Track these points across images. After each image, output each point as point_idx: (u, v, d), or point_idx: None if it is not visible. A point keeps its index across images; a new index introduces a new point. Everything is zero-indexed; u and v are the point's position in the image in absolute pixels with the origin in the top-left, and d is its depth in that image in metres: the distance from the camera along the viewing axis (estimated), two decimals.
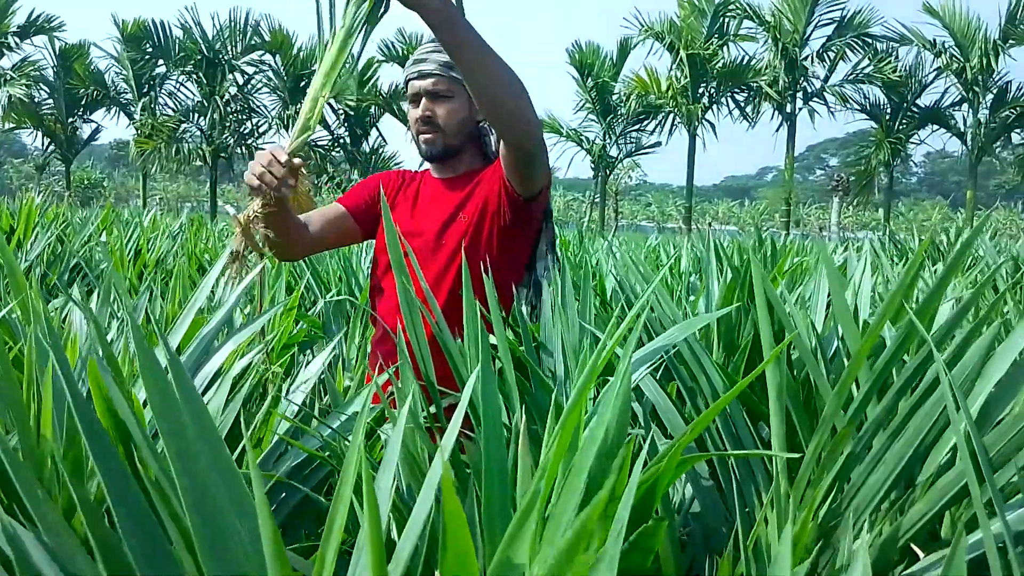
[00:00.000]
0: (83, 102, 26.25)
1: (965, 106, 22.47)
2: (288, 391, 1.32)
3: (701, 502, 1.09)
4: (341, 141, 25.40)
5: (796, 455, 0.80)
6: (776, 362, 0.98)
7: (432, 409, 0.96)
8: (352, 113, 24.47)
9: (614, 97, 24.90)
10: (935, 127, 23.37)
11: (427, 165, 1.84)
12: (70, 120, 26.44)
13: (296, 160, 1.39)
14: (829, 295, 1.52)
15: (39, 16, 24.62)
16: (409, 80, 1.74)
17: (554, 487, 0.48)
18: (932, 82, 22.78)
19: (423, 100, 1.71)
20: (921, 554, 0.94)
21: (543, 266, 1.76)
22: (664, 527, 0.60)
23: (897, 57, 22.67)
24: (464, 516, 0.39)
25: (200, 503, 0.43)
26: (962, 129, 22.77)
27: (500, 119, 1.48)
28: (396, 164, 24.99)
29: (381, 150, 25.50)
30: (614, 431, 0.47)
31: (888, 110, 23.37)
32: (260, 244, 1.39)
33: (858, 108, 23.55)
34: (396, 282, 1.00)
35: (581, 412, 0.56)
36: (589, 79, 24.77)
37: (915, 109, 23.26)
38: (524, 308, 1.64)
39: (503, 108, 1.44)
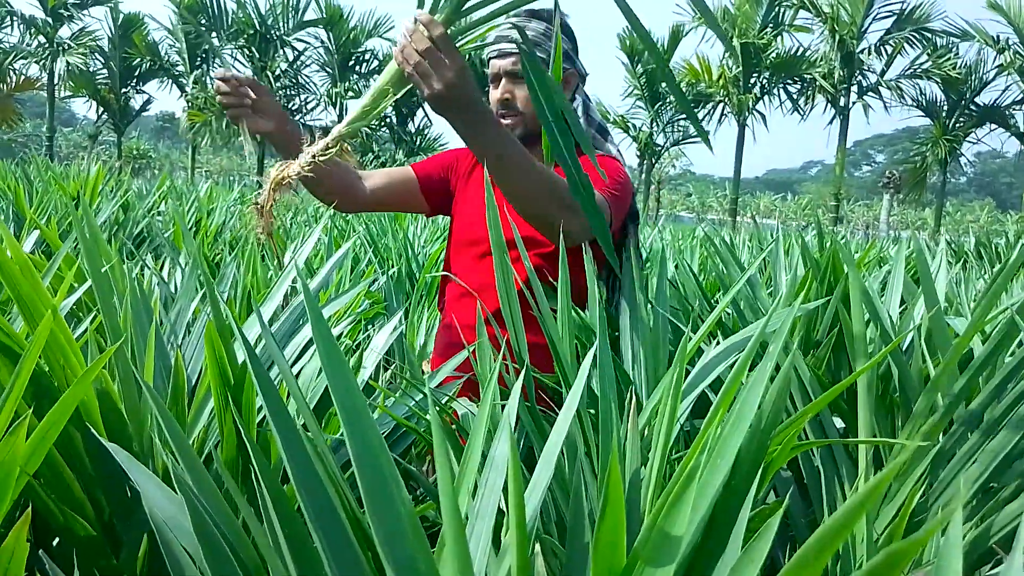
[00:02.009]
0: (136, 73, 26.76)
1: None
2: (361, 364, 1.35)
3: (779, 493, 1.10)
4: (387, 121, 25.53)
5: (896, 440, 0.80)
6: (867, 357, 0.99)
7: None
8: None
9: (663, 84, 24.64)
10: (993, 126, 22.72)
11: None
12: (123, 90, 26.96)
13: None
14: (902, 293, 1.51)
15: None
16: (490, 59, 1.64)
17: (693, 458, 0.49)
18: (993, 79, 22.12)
19: (503, 81, 1.61)
20: (1005, 556, 0.94)
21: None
22: (780, 511, 0.61)
23: (957, 53, 22.03)
24: (623, 490, 0.40)
25: (370, 469, 0.45)
26: (1022, 129, 22.12)
27: (539, 229, 1.39)
28: (441, 146, 25.06)
29: (427, 130, 25.59)
30: (769, 412, 0.49)
31: (945, 107, 22.78)
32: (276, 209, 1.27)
33: (914, 104, 22.98)
34: (495, 269, 1.01)
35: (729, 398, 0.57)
36: (639, 66, 24.53)
37: (973, 107, 22.62)
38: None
39: (536, 221, 1.36)
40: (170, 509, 0.64)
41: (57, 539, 0.96)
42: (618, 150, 1.74)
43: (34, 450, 0.81)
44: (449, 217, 1.80)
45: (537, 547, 0.77)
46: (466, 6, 1.14)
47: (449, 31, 1.14)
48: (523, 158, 1.27)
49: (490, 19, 1.14)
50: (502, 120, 1.60)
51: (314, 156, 1.17)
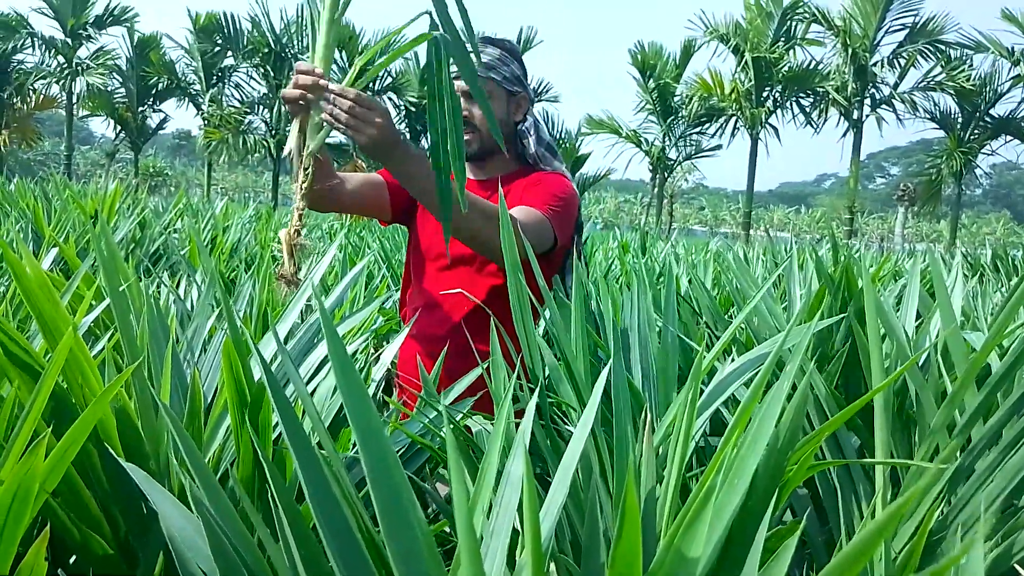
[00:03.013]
0: (153, 92, 27.07)
1: None
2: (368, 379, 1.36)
3: (795, 510, 1.09)
4: (401, 136, 25.68)
5: (913, 463, 0.80)
6: (883, 374, 0.98)
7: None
8: (413, 110, 24.73)
9: (675, 99, 24.66)
10: (1008, 138, 22.58)
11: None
12: (140, 109, 27.27)
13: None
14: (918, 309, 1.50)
15: (115, 7, 25.47)
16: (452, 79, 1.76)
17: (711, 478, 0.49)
18: (1008, 91, 22.01)
19: (462, 100, 1.69)
20: None
21: (572, 278, 1.77)
22: (797, 532, 0.60)
23: (971, 65, 21.93)
24: (639, 511, 0.40)
25: (386, 488, 0.45)
26: None
27: (484, 255, 1.53)
28: None
29: None
30: (786, 432, 0.48)
31: (960, 119, 22.66)
32: (300, 261, 1.38)
33: (928, 116, 22.88)
34: (510, 283, 1.02)
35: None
36: (651, 80, 24.57)
37: (988, 118, 22.49)
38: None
39: (477, 248, 1.49)
40: (187, 528, 0.65)
41: (74, 557, 0.97)
42: (564, 167, 1.85)
43: (52, 468, 0.81)
44: (407, 228, 1.92)
45: (552, 566, 0.76)
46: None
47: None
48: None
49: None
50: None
51: (300, 212, 1.30)
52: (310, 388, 1.17)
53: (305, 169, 1.30)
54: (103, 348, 1.34)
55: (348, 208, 1.81)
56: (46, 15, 25.12)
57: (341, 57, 25.23)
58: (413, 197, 1.49)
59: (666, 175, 26.73)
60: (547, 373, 1.60)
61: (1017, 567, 0.93)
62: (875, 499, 0.98)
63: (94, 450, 0.97)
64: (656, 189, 27.43)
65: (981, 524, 0.48)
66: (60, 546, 0.96)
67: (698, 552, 0.42)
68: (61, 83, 25.81)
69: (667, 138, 25.32)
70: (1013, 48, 21.17)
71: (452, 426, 0.98)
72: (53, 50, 25.56)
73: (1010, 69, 21.62)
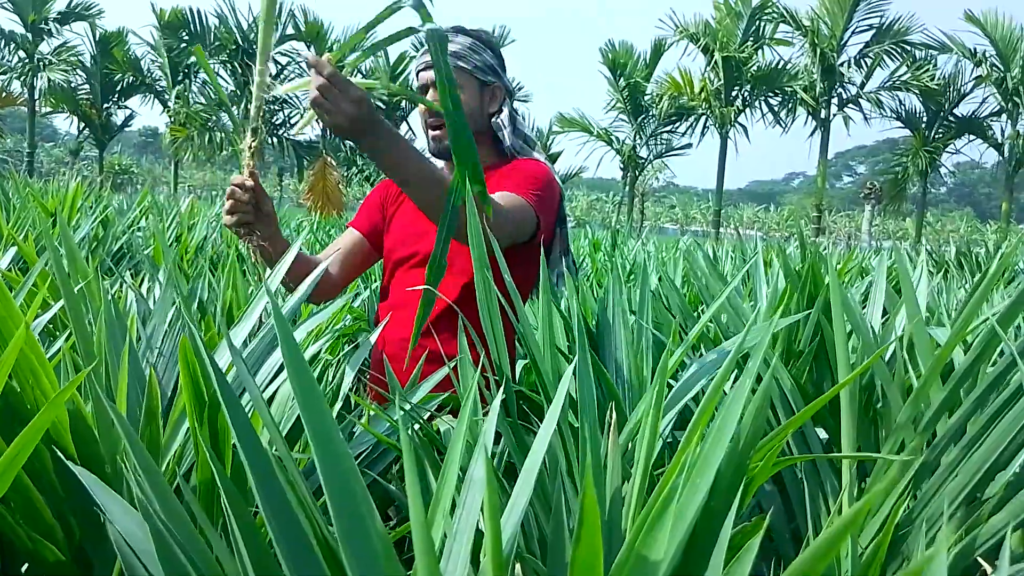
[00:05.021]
0: (119, 88, 26.63)
1: (1004, 116, 22.12)
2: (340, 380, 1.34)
3: (763, 505, 1.09)
4: (377, 121, 25.53)
5: (879, 456, 0.80)
6: (849, 368, 0.98)
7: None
8: (384, 107, 24.59)
9: (646, 98, 24.80)
10: (972, 137, 23.03)
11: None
12: (105, 106, 26.80)
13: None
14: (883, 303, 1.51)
15: (78, 3, 25.01)
16: (419, 71, 1.69)
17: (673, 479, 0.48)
18: (971, 91, 22.45)
19: (430, 91, 1.66)
20: (989, 569, 0.93)
21: (556, 272, 1.74)
22: (761, 531, 0.60)
23: (936, 65, 22.35)
24: (598, 512, 0.39)
25: (343, 497, 0.44)
26: (999, 140, 22.43)
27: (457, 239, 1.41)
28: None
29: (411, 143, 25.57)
30: (749, 430, 0.48)
31: (924, 118, 23.07)
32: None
33: (894, 116, 23.25)
34: (476, 279, 1.00)
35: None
36: (621, 79, 24.68)
37: (952, 118, 22.92)
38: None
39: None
40: (138, 534, 0.62)
41: (26, 565, 0.93)
42: (545, 158, 1.80)
43: (1, 475, 0.78)
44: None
45: (518, 567, 0.75)
46: (348, 59, 1.23)
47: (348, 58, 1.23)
48: (430, 172, 1.35)
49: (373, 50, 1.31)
50: (431, 129, 1.70)
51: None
52: (276, 384, 1.15)
53: (254, 130, 1.28)
54: (60, 348, 1.30)
55: (347, 282, 1.86)
56: (5, 9, 24.58)
57: (309, 52, 24.94)
58: (396, 184, 1.42)
59: (637, 173, 26.87)
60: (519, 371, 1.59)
61: (980, 560, 0.94)
62: (842, 494, 0.98)
63: (47, 453, 0.94)
64: (627, 187, 27.56)
65: (944, 525, 0.47)
66: (9, 552, 0.93)
67: (660, 555, 0.41)
68: (22, 79, 25.29)
69: (638, 137, 25.46)
70: (975, 49, 21.59)
71: (418, 427, 0.97)
72: (13, 45, 25.03)
73: (973, 70, 22.06)
